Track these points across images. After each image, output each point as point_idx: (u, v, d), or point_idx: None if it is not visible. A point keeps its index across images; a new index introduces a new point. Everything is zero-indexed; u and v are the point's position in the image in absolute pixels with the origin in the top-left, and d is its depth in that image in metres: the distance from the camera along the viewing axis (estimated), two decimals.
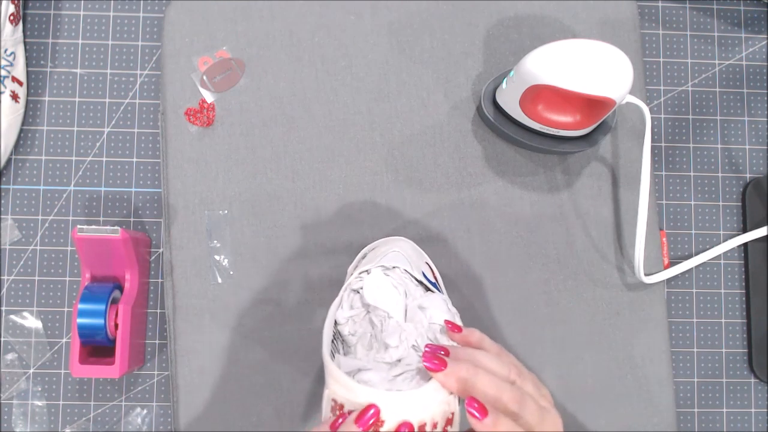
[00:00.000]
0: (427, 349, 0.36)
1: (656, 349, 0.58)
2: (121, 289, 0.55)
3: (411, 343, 0.39)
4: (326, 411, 0.35)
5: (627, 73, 0.47)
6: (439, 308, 0.41)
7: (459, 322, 0.40)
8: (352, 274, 0.47)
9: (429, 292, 0.44)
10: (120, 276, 0.55)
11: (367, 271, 0.44)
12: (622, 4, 0.60)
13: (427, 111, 0.58)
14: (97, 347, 0.54)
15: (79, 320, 0.50)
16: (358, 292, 0.44)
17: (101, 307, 0.51)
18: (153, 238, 0.59)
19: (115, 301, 0.53)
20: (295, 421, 0.55)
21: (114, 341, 0.52)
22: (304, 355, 0.56)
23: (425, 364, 0.34)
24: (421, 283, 0.45)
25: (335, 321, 0.42)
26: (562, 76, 0.47)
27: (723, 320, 0.61)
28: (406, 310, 0.42)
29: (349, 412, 0.33)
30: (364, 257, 0.51)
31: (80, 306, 0.51)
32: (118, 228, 0.51)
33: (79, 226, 0.51)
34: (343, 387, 0.34)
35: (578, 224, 0.58)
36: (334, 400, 0.35)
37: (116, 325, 0.52)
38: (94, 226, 0.51)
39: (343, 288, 0.44)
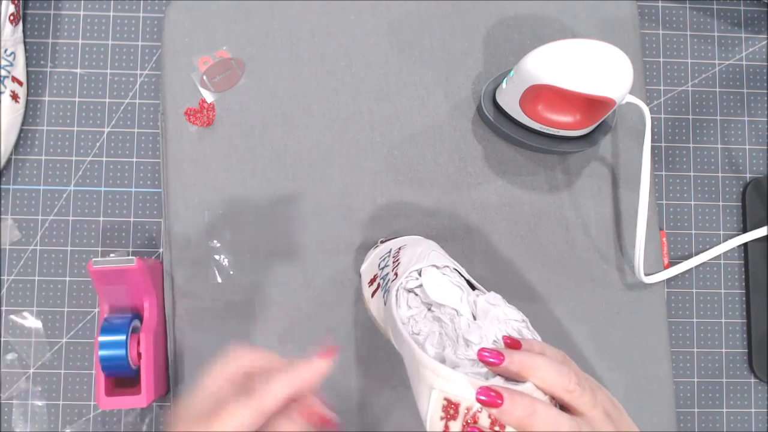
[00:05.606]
0: (508, 341, 0.37)
1: (656, 349, 0.58)
2: (140, 318, 0.54)
3: (492, 338, 0.38)
4: (435, 412, 0.35)
5: (627, 73, 0.47)
6: (508, 305, 0.41)
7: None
8: (386, 273, 0.47)
9: (477, 290, 0.44)
10: (138, 305, 0.54)
11: (418, 271, 0.44)
12: (622, 4, 0.60)
13: (427, 111, 0.58)
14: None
15: (101, 352, 0.50)
16: (412, 291, 0.43)
17: (122, 338, 0.50)
18: (153, 238, 0.59)
19: (135, 331, 0.53)
20: None
21: (136, 371, 0.52)
22: (304, 354, 0.56)
23: (483, 354, 0.35)
24: (468, 281, 0.44)
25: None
26: (562, 76, 0.47)
27: (723, 320, 0.61)
28: (472, 307, 0.41)
29: (468, 410, 0.33)
30: (392, 256, 0.49)
31: (101, 338, 0.50)
32: (134, 258, 0.51)
33: (94, 259, 0.50)
34: (455, 384, 0.34)
35: (578, 224, 0.58)
36: (448, 399, 0.34)
37: (139, 355, 0.52)
38: (108, 258, 0.50)
39: (395, 288, 0.43)
